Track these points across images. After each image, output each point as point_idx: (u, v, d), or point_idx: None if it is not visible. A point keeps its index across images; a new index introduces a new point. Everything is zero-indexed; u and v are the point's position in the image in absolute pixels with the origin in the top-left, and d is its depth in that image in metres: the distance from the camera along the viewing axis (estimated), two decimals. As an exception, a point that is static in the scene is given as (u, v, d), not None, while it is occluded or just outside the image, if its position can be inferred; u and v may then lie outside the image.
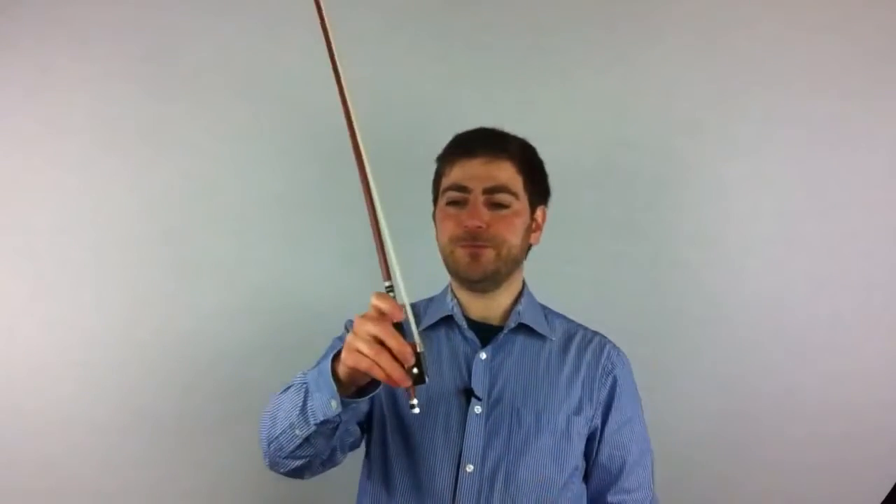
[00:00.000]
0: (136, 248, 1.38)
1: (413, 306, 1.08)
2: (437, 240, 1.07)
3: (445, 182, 1.04)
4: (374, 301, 0.77)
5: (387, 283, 0.81)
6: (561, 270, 1.43)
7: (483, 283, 1.02)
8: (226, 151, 1.42)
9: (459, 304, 1.07)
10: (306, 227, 1.43)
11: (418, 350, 0.77)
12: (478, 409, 0.98)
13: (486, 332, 1.05)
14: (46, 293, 1.36)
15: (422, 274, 1.09)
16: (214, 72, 1.41)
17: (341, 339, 1.07)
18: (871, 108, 1.41)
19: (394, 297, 0.78)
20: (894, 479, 1.42)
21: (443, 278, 1.10)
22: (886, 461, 1.42)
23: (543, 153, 1.09)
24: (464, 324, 1.05)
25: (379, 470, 1.01)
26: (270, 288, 1.42)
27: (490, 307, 1.06)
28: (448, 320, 1.06)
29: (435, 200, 1.09)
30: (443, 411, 0.99)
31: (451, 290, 1.09)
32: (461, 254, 1.00)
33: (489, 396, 1.00)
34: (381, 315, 0.76)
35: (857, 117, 1.41)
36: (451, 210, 1.03)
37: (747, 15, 1.43)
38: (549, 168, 1.11)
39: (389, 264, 0.81)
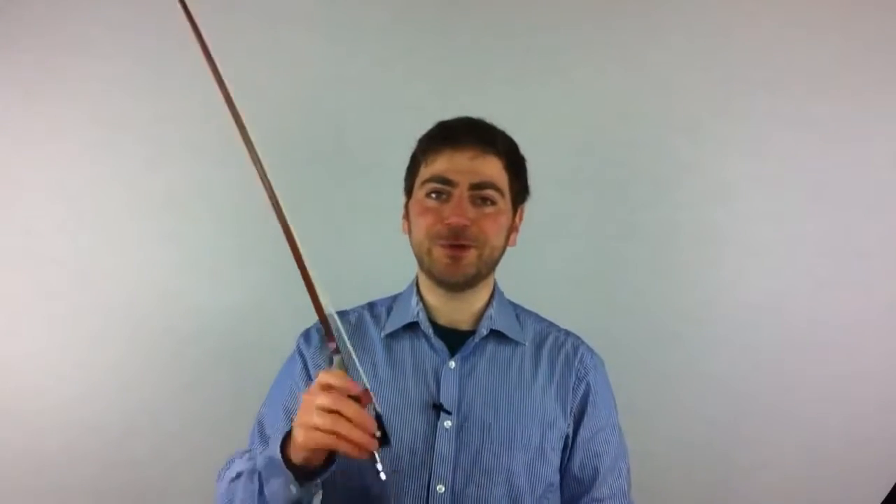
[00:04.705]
0: (136, 248, 1.38)
1: (375, 305, 1.07)
2: (410, 233, 0.99)
3: (426, 172, 0.96)
4: (323, 378, 0.73)
5: (332, 346, 0.76)
6: (560, 271, 1.44)
7: (460, 286, 0.96)
8: (226, 151, 1.42)
9: (426, 307, 1.00)
10: (305, 228, 1.43)
11: (377, 410, 0.73)
12: (448, 423, 0.91)
13: (453, 338, 0.98)
14: (46, 293, 1.36)
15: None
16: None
17: (294, 359, 1.01)
18: (872, 108, 1.41)
19: (344, 365, 0.75)
20: (894, 480, 1.42)
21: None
22: (886, 461, 1.42)
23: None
24: (430, 332, 0.98)
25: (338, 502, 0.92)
26: (270, 288, 1.42)
27: (460, 310, 1.00)
28: (413, 327, 0.99)
29: (408, 191, 1.02)
30: (408, 428, 0.91)
31: (418, 291, 1.01)
32: (440, 254, 0.93)
33: (459, 409, 0.93)
34: (331, 388, 0.72)
35: (857, 117, 1.41)
36: (431, 203, 0.95)
37: (747, 15, 1.43)
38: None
39: (332, 325, 0.76)
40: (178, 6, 1.41)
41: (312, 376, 0.97)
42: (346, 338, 0.77)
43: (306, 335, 1.04)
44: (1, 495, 1.35)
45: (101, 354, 1.37)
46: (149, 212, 1.39)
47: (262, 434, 0.97)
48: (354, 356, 0.77)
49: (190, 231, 1.40)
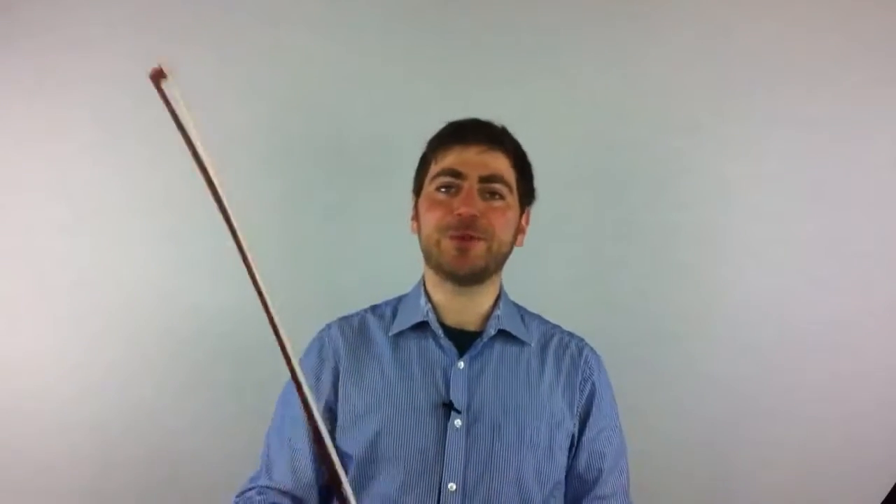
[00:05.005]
0: (135, 248, 1.38)
1: (378, 307, 1.06)
2: (419, 230, 1.00)
3: (435, 168, 0.98)
4: None
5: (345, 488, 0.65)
6: (560, 271, 1.44)
7: (468, 279, 0.96)
8: (226, 152, 1.42)
9: (434, 307, 1.00)
10: (305, 228, 1.43)
11: None
12: (458, 422, 0.92)
13: (461, 339, 0.98)
14: (46, 293, 1.36)
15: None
16: (214, 71, 1.41)
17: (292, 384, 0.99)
18: (871, 107, 1.41)
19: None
20: (894, 480, 1.42)
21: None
22: (886, 461, 1.42)
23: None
24: (440, 331, 0.98)
25: None
26: (270, 288, 1.41)
27: (468, 309, 1.00)
28: (420, 327, 0.99)
29: (417, 191, 1.03)
30: (418, 429, 0.92)
31: (425, 291, 1.02)
32: (449, 246, 0.93)
33: (469, 410, 0.94)
34: None
35: (857, 117, 1.41)
36: (441, 197, 0.96)
37: (747, 15, 1.42)
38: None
39: (338, 470, 0.65)
40: (178, 7, 1.41)
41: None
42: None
43: (306, 353, 1.03)
44: (1, 495, 1.35)
45: (101, 354, 1.37)
46: (149, 212, 1.39)
47: (268, 465, 0.98)
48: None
49: (190, 231, 1.39)
